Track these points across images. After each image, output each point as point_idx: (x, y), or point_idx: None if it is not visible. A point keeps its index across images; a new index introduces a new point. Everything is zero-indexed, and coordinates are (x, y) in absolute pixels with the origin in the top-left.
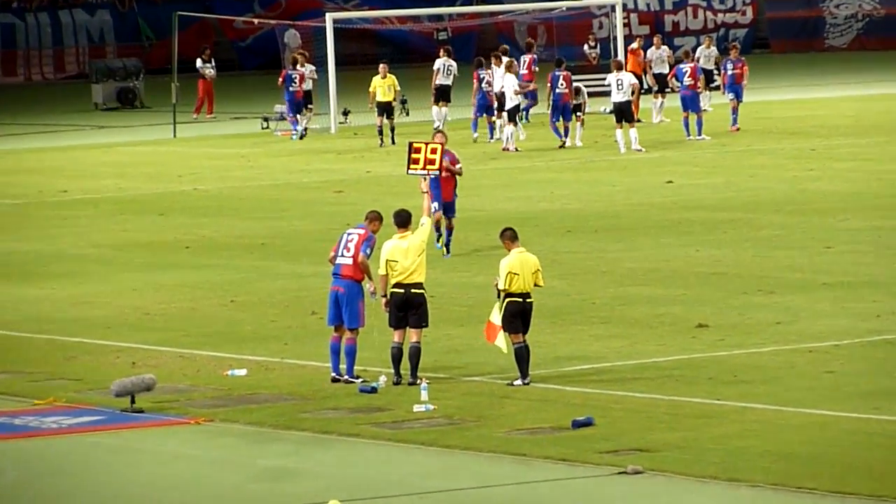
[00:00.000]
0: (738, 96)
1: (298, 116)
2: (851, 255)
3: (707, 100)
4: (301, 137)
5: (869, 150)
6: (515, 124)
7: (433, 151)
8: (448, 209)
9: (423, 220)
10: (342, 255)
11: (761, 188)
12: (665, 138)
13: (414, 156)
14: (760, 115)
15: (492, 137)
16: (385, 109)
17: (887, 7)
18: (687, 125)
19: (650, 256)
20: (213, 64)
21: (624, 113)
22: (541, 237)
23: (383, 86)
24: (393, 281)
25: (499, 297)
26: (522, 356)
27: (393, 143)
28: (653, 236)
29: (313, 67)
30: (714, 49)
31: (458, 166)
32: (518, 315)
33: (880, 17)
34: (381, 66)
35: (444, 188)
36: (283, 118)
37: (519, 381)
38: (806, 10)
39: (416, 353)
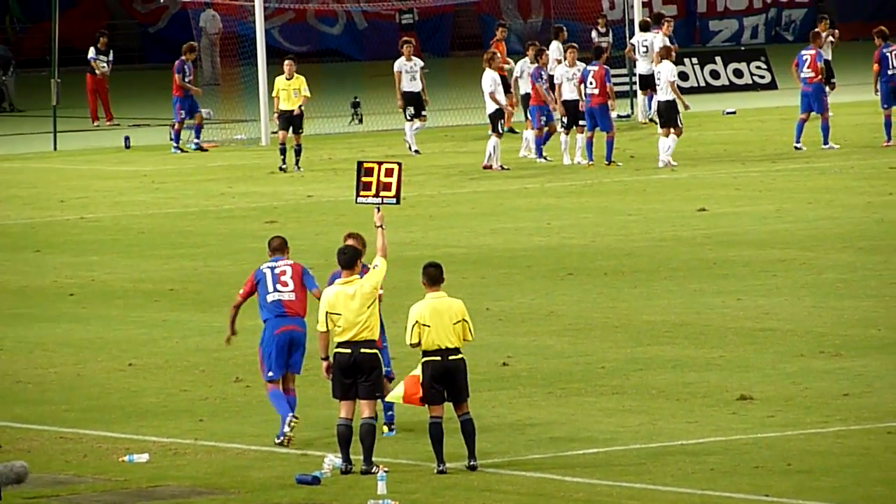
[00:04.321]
0: None
1: (188, 121)
2: None
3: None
4: (196, 147)
5: None
6: (500, 135)
7: (388, 173)
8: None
9: (377, 261)
10: (278, 291)
11: (824, 218)
12: (697, 152)
13: (364, 179)
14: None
15: (539, 155)
16: (289, 121)
17: None
18: (801, 130)
19: (676, 307)
20: (111, 57)
21: (663, 116)
22: (534, 281)
23: (288, 89)
24: (337, 339)
25: None
26: (469, 433)
27: (297, 167)
28: (679, 281)
29: (421, 62)
30: (660, 38)
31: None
32: (440, 378)
33: None
34: (287, 62)
35: None
36: (175, 127)
37: (439, 466)
38: None
39: (369, 433)
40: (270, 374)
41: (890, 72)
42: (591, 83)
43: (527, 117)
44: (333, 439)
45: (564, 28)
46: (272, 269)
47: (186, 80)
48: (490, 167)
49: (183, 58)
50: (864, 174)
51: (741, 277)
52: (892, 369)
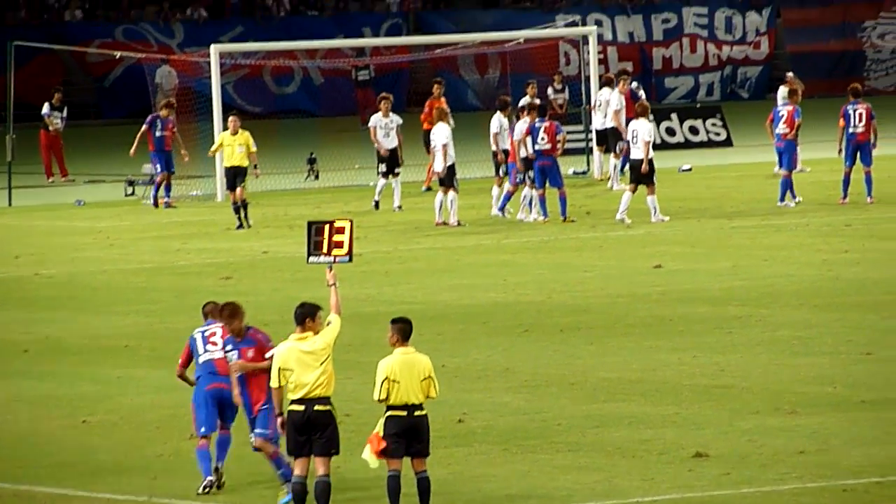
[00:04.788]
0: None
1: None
2: None
3: (615, 173)
4: (166, 206)
5: None
6: (455, 189)
7: (339, 231)
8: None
9: (332, 317)
10: (208, 352)
11: (779, 275)
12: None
13: (315, 239)
14: (778, 178)
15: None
16: (235, 178)
17: None
18: (791, 187)
19: (633, 364)
20: (65, 113)
21: (636, 173)
22: (490, 337)
23: (233, 145)
24: (290, 396)
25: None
26: (424, 490)
27: (246, 223)
28: (636, 338)
29: (399, 119)
30: (616, 95)
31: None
32: (403, 434)
33: None
34: (231, 118)
35: (254, 390)
36: (154, 181)
37: None
38: (840, 41)
39: (324, 491)
40: (203, 429)
41: (851, 130)
42: (542, 139)
43: (497, 173)
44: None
45: (535, 83)
46: (203, 332)
47: (157, 134)
48: (445, 223)
49: (160, 113)
50: (820, 232)
51: (697, 334)
52: (848, 427)
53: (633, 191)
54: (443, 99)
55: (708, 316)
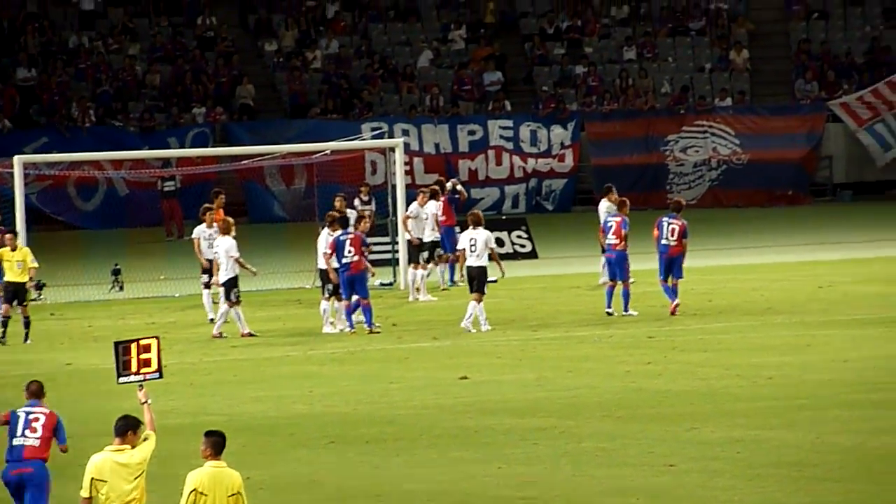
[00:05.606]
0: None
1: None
2: (702, 475)
3: (421, 284)
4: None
5: (724, 337)
6: (231, 304)
7: (146, 349)
8: None
9: (148, 433)
10: (24, 437)
11: (583, 387)
12: (459, 320)
13: (123, 358)
14: (582, 293)
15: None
16: (15, 293)
17: (751, 150)
18: (611, 296)
19: (437, 475)
20: None
21: (474, 281)
22: (296, 449)
23: (11, 261)
24: None
25: None
26: None
27: (26, 339)
28: (441, 449)
29: (211, 230)
30: (433, 206)
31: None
32: None
33: (741, 165)
34: (8, 236)
35: None
36: None
37: None
38: (643, 155)
39: None
40: None
41: (664, 242)
42: (349, 251)
43: (324, 292)
44: None
45: (343, 195)
46: (27, 413)
47: None
48: (252, 334)
49: None
50: (623, 343)
51: (502, 445)
52: None
53: (478, 300)
54: (221, 210)
55: (513, 427)
